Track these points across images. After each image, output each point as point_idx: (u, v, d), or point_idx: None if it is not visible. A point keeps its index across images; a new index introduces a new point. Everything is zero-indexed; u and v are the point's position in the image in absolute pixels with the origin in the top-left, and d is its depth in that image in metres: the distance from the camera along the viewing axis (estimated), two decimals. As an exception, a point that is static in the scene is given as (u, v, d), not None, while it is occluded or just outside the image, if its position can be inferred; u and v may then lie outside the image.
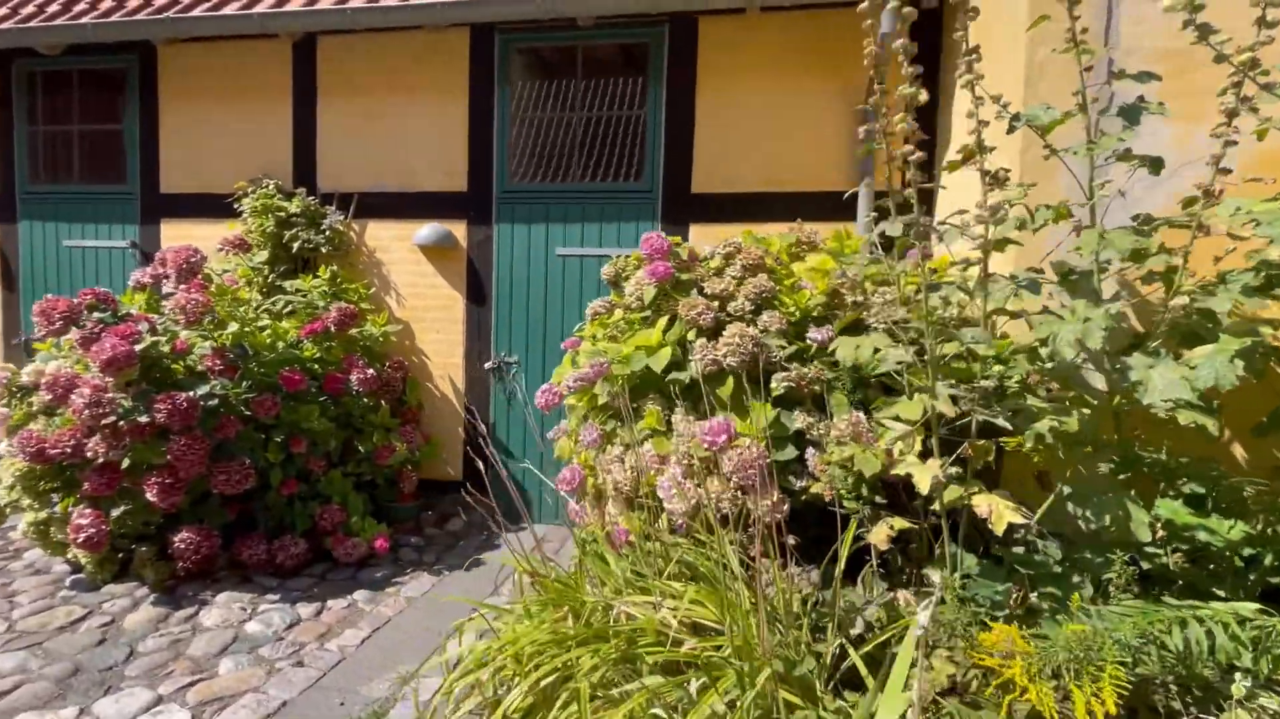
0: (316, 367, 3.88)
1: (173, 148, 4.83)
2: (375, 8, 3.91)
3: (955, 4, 3.65)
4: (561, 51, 4.29)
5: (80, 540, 2.95)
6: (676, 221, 4.13)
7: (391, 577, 3.54)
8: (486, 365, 4.42)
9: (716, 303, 2.52)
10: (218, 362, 3.30)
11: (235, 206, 4.55)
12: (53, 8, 4.64)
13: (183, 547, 3.16)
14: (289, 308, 4.19)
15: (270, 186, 4.48)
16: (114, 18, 4.34)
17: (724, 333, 2.41)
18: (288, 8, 4.09)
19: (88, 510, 3.03)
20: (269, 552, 3.42)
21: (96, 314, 3.19)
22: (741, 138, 4.04)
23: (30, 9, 4.68)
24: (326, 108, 4.57)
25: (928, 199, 3.90)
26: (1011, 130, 2.22)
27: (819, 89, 3.93)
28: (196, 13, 4.21)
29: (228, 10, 4.20)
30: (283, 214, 4.38)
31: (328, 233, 4.40)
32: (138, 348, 3.04)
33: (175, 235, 4.86)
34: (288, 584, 3.37)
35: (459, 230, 4.41)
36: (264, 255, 4.24)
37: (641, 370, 2.54)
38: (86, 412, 2.82)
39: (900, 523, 1.96)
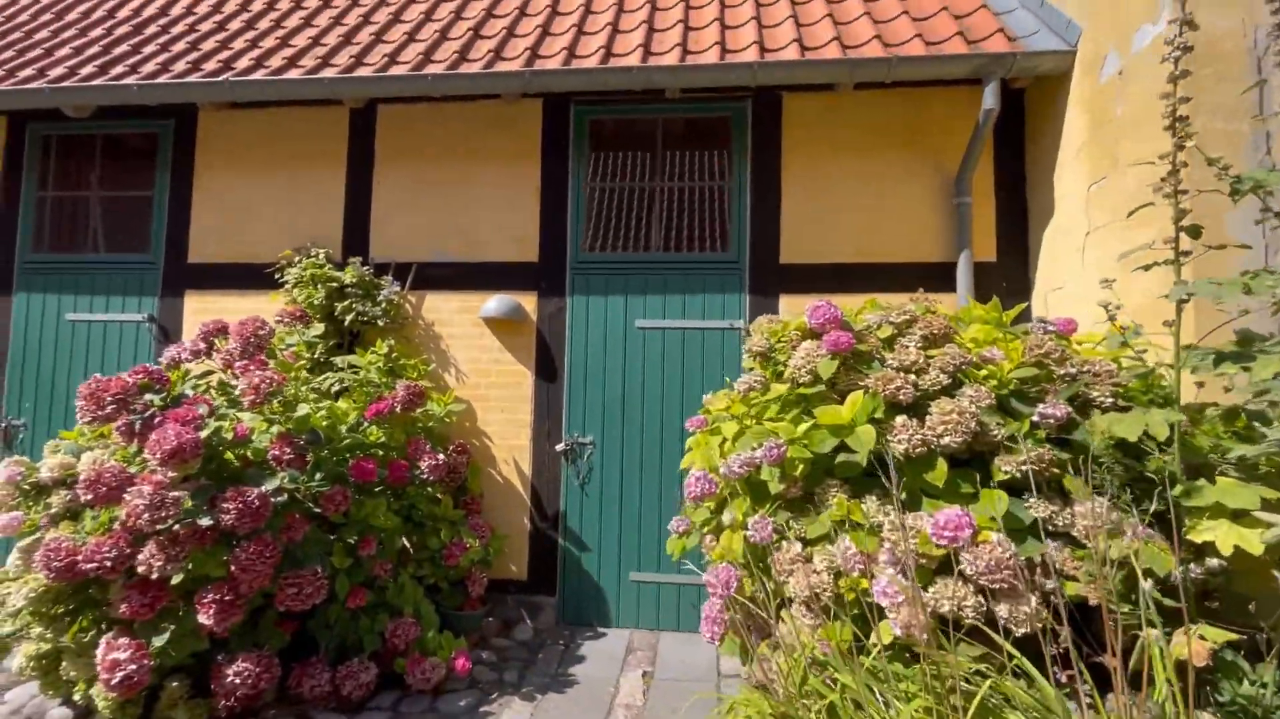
0: (380, 452, 3.43)
1: (206, 215, 4.47)
2: (458, 75, 3.77)
3: (1038, 88, 3.75)
4: (640, 122, 4.22)
5: (116, 680, 2.35)
6: (765, 293, 3.95)
7: (477, 705, 2.98)
8: (558, 447, 4.02)
9: (912, 376, 2.27)
10: (286, 449, 2.83)
11: (277, 277, 4.18)
12: (86, 69, 4.34)
13: (236, 680, 2.57)
14: (340, 385, 3.76)
15: (320, 256, 4.13)
16: (161, 80, 4.07)
17: (933, 410, 2.15)
18: (360, 73, 3.91)
19: (124, 640, 2.45)
20: (333, 680, 2.84)
21: (149, 396, 2.72)
22: (830, 208, 3.96)
23: (60, 70, 4.38)
24: (384, 174, 4.33)
25: (1024, 267, 3.85)
26: (1235, 194, 2.11)
27: (908, 161, 3.92)
28: (257, 76, 3.99)
29: (291, 74, 3.99)
30: (335, 284, 4.02)
31: (384, 305, 4.05)
32: (201, 434, 2.57)
33: (201, 308, 4.41)
34: (357, 722, 2.78)
35: (528, 302, 4.13)
36: (319, 329, 3.83)
37: (826, 454, 2.25)
38: (146, 515, 2.31)
39: (1216, 633, 1.66)
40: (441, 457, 3.55)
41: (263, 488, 2.63)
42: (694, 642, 3.63)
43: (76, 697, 2.73)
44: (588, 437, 4.03)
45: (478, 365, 4.16)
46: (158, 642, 2.49)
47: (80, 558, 2.44)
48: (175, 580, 2.51)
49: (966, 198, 3.76)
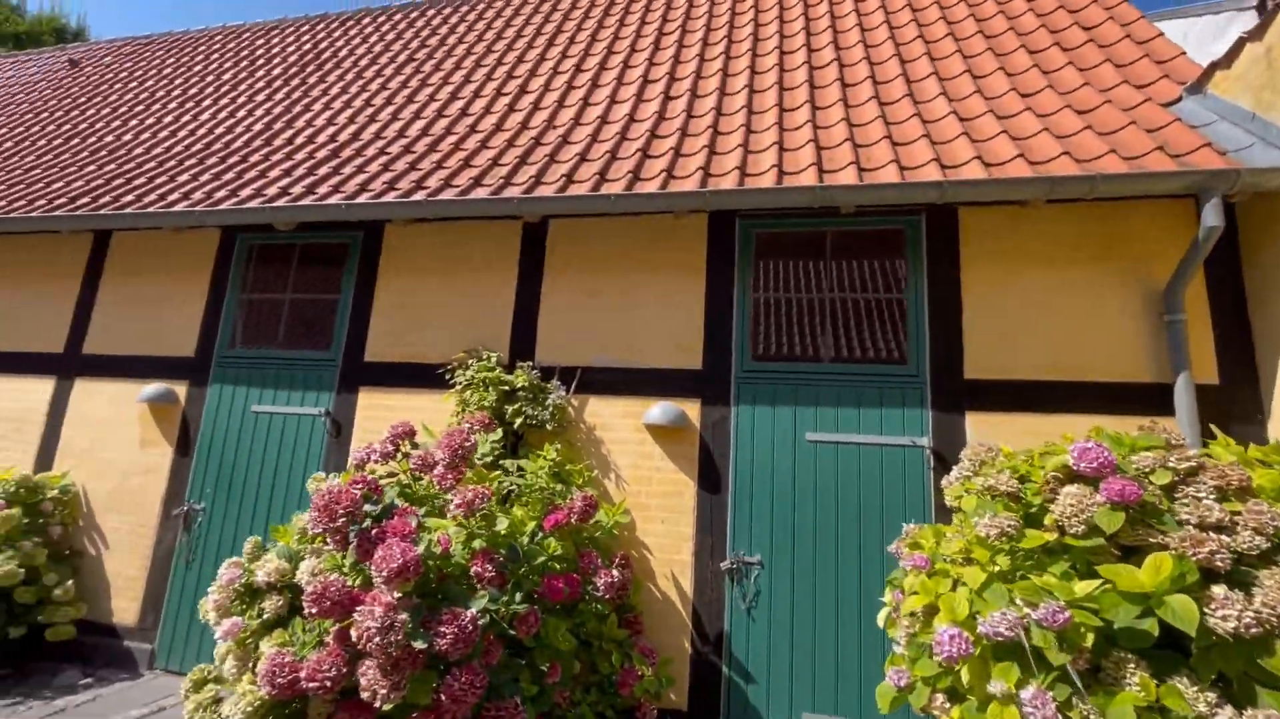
0: (557, 566, 3.35)
1: (383, 317, 4.78)
2: (636, 194, 3.95)
3: (1257, 202, 3.52)
4: (807, 234, 4.25)
5: (331, 818, 2.25)
6: (949, 409, 3.73)
7: None
8: (723, 565, 3.82)
9: (1223, 537, 2.00)
10: (488, 567, 2.80)
11: (447, 378, 4.35)
12: (295, 189, 4.88)
13: (435, 823, 2.42)
14: (508, 490, 3.76)
15: (491, 359, 4.29)
16: (362, 199, 4.49)
17: (1265, 582, 1.86)
18: (540, 192, 4.18)
19: (333, 769, 2.37)
20: (519, 827, 2.64)
21: (367, 506, 2.78)
22: (1017, 323, 3.77)
23: (274, 190, 4.94)
24: (552, 282, 4.51)
25: (1254, 391, 3.48)
26: None
27: (1103, 274, 3.71)
28: (446, 195, 4.34)
29: (477, 193, 4.31)
30: (505, 388, 4.13)
31: (551, 409, 4.10)
32: (419, 550, 2.58)
33: (371, 403, 4.64)
34: None
35: (692, 410, 4.08)
36: (498, 434, 3.91)
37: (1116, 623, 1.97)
38: (377, 638, 2.29)
39: None
40: (616, 573, 3.43)
41: (471, 609, 2.57)
42: (889, 808, 3.19)
43: (267, 819, 2.66)
44: (754, 556, 3.81)
45: (638, 472, 4.10)
46: (365, 773, 2.40)
47: (302, 674, 2.43)
48: (387, 708, 2.44)
49: (1179, 315, 3.48)
